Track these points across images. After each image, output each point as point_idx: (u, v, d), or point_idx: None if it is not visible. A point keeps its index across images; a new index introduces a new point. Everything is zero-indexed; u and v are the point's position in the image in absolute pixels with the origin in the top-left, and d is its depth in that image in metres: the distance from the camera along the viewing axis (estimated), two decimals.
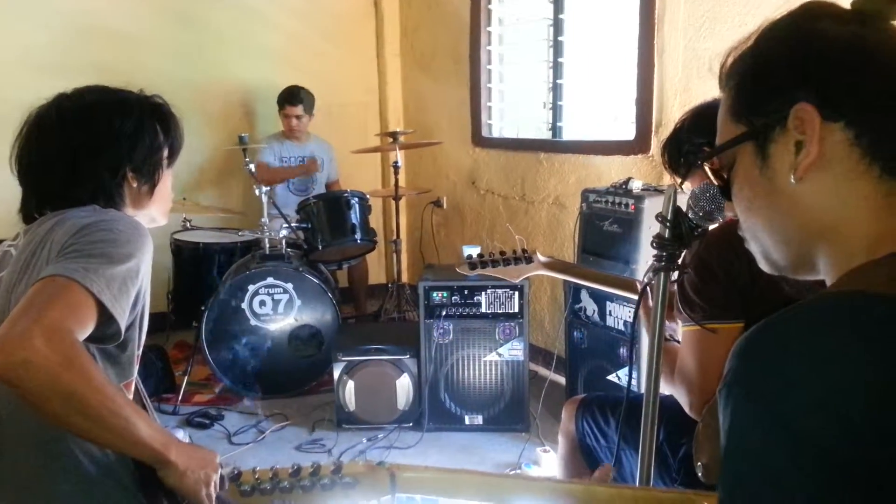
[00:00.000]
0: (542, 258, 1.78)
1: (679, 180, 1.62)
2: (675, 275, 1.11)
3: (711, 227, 1.11)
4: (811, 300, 0.62)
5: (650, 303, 1.73)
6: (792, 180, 0.69)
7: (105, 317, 1.08)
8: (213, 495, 1.15)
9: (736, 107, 0.74)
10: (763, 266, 0.78)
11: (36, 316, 0.98)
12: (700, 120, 1.56)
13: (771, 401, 0.56)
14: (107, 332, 1.12)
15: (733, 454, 0.59)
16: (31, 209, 1.31)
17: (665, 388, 1.46)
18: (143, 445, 1.06)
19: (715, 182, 0.78)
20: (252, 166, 3.63)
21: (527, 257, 1.75)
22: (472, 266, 1.76)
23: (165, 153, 1.37)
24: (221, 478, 1.11)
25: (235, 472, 0.87)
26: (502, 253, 1.76)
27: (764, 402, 0.57)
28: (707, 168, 0.78)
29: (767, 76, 0.71)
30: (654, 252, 1.11)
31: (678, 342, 1.50)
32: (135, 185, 1.33)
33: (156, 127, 1.35)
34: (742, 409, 0.58)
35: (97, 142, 1.28)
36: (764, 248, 0.76)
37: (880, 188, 0.67)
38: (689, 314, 1.35)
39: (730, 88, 0.75)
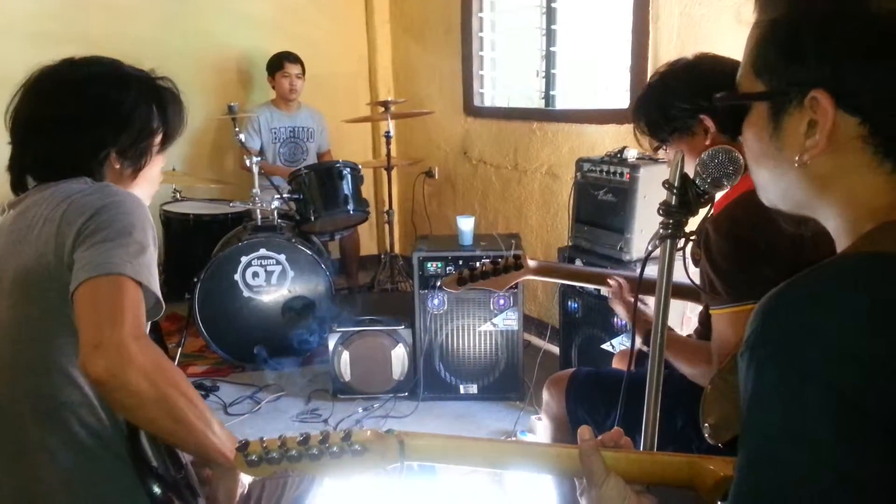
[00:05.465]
0: (531, 263, 1.77)
1: (657, 145, 1.54)
2: (681, 242, 1.10)
3: (718, 193, 1.10)
4: (830, 262, 0.64)
5: (628, 296, 1.71)
6: (796, 162, 0.68)
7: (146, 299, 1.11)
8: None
9: (757, 61, 0.71)
10: (762, 198, 0.79)
11: (116, 320, 1.02)
12: (687, 82, 1.46)
13: (795, 356, 0.58)
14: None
15: (758, 412, 0.60)
16: (17, 175, 1.28)
17: (695, 377, 1.44)
18: (215, 449, 1.09)
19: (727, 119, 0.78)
20: (242, 136, 3.59)
21: (517, 264, 1.73)
22: (462, 282, 1.75)
23: (157, 139, 1.34)
24: None
25: (242, 441, 0.86)
26: (494, 263, 1.75)
27: (788, 359, 0.58)
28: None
29: (792, 47, 0.67)
30: (661, 219, 1.10)
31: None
32: (117, 166, 1.29)
33: (151, 111, 1.31)
34: (767, 368, 0.59)
35: (83, 116, 1.25)
36: (766, 192, 0.77)
37: (892, 178, 0.66)
38: (732, 294, 1.30)
39: (757, 32, 0.71)
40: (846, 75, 0.64)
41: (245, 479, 1.20)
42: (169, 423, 1.04)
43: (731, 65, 1.42)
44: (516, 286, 2.83)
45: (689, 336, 1.72)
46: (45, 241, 1.13)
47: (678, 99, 1.45)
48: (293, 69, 4.19)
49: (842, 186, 0.68)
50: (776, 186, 0.75)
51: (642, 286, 1.47)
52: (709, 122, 1.43)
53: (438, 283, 2.92)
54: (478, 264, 1.81)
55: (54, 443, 1.13)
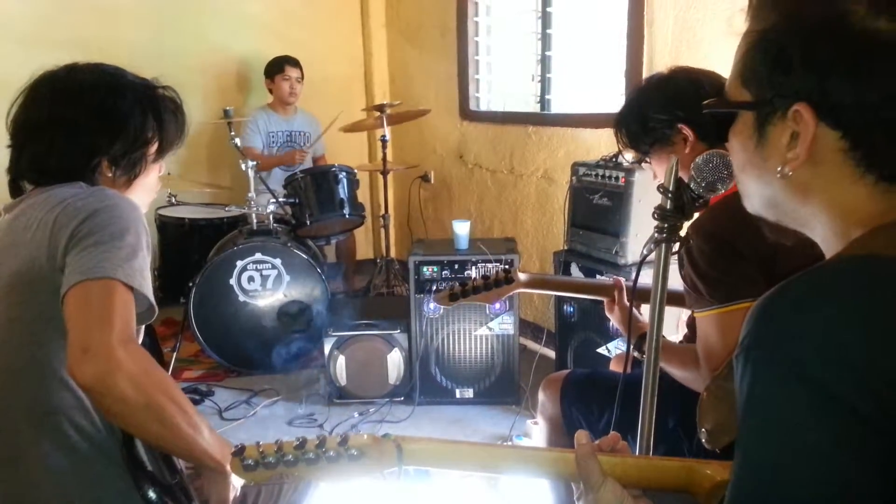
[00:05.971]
0: (522, 277, 1.78)
1: (639, 157, 1.57)
2: (675, 246, 1.11)
3: (712, 196, 1.11)
4: (825, 264, 0.64)
5: (625, 301, 1.71)
6: (778, 173, 0.69)
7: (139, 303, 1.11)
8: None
9: (745, 71, 0.72)
10: (747, 207, 0.79)
11: (105, 324, 1.02)
12: (663, 94, 1.50)
13: (789, 358, 0.58)
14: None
15: (753, 414, 0.60)
16: (14, 179, 1.29)
17: (686, 380, 1.43)
18: (206, 454, 1.10)
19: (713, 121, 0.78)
20: (238, 140, 3.58)
21: (508, 278, 1.74)
22: (454, 298, 1.75)
23: (153, 148, 1.33)
24: None
25: (238, 446, 0.86)
26: (485, 277, 1.76)
27: (782, 361, 0.58)
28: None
29: (780, 58, 0.68)
30: (656, 223, 1.10)
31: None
32: (110, 174, 1.29)
33: (147, 120, 1.30)
34: (761, 370, 0.60)
35: (76, 123, 1.25)
36: (751, 200, 0.78)
37: (876, 189, 0.67)
38: (715, 296, 1.31)
39: (746, 42, 0.71)
40: (830, 88, 0.65)
41: (237, 483, 1.19)
42: (158, 429, 1.04)
43: (704, 76, 1.46)
44: None
45: (680, 342, 1.73)
46: (38, 244, 1.13)
47: (655, 110, 1.49)
48: (293, 73, 4.19)
49: (825, 196, 0.69)
50: (761, 195, 0.75)
51: (634, 293, 1.47)
52: (687, 131, 1.46)
53: (434, 289, 2.92)
54: (472, 275, 1.82)
55: (48, 446, 1.13)
